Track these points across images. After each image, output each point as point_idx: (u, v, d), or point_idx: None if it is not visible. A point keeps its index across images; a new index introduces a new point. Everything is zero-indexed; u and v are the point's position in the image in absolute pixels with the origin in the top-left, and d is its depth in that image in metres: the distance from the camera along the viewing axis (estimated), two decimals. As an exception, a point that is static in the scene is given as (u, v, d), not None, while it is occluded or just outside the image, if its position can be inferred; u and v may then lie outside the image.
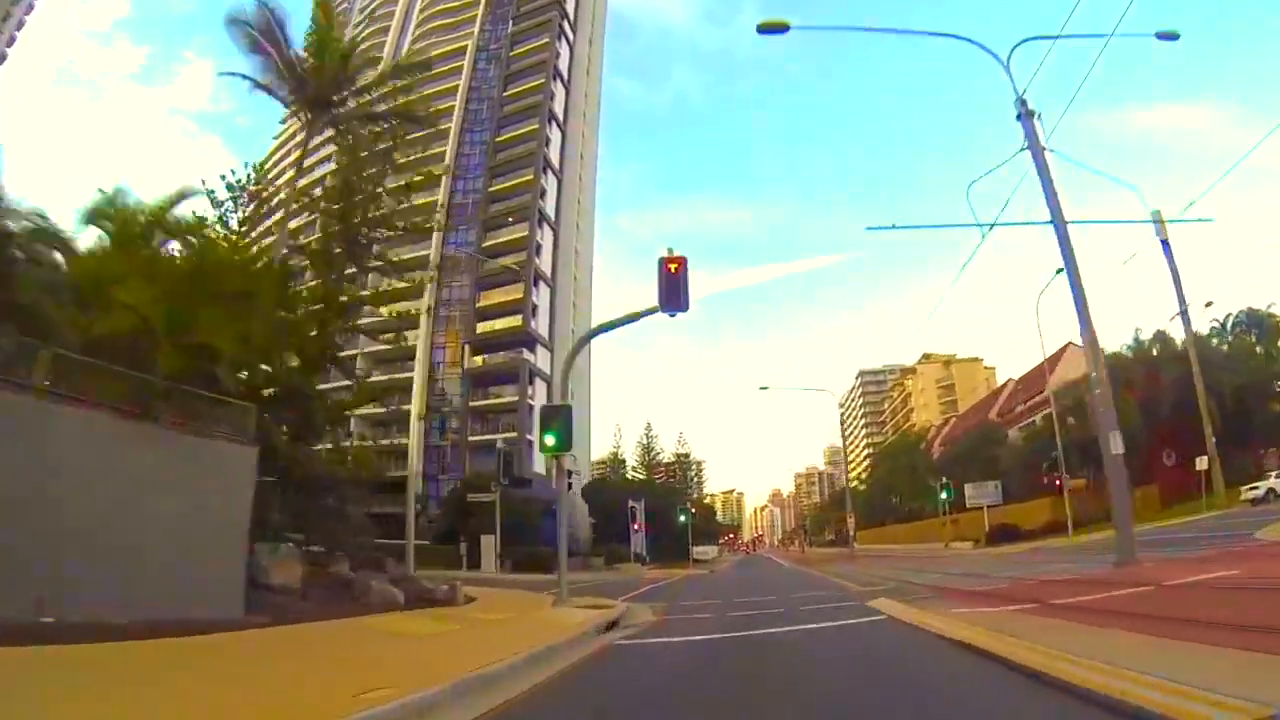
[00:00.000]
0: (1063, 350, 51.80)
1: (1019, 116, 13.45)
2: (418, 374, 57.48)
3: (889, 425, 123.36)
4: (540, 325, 56.54)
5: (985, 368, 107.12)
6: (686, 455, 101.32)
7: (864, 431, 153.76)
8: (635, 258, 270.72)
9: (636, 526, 42.51)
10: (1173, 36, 13.05)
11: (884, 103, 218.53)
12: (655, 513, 53.06)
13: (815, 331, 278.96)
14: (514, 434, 50.51)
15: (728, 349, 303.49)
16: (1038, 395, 50.71)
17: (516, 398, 51.15)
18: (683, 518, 40.45)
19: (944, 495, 39.06)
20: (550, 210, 61.80)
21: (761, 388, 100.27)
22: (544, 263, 58.92)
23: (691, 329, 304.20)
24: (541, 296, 57.63)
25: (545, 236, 60.22)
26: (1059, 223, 13.34)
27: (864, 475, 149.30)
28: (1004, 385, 60.08)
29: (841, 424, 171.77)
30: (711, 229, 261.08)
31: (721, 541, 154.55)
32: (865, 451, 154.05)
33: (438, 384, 56.37)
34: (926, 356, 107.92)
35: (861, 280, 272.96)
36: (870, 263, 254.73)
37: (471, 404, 53.34)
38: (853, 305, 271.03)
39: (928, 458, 56.29)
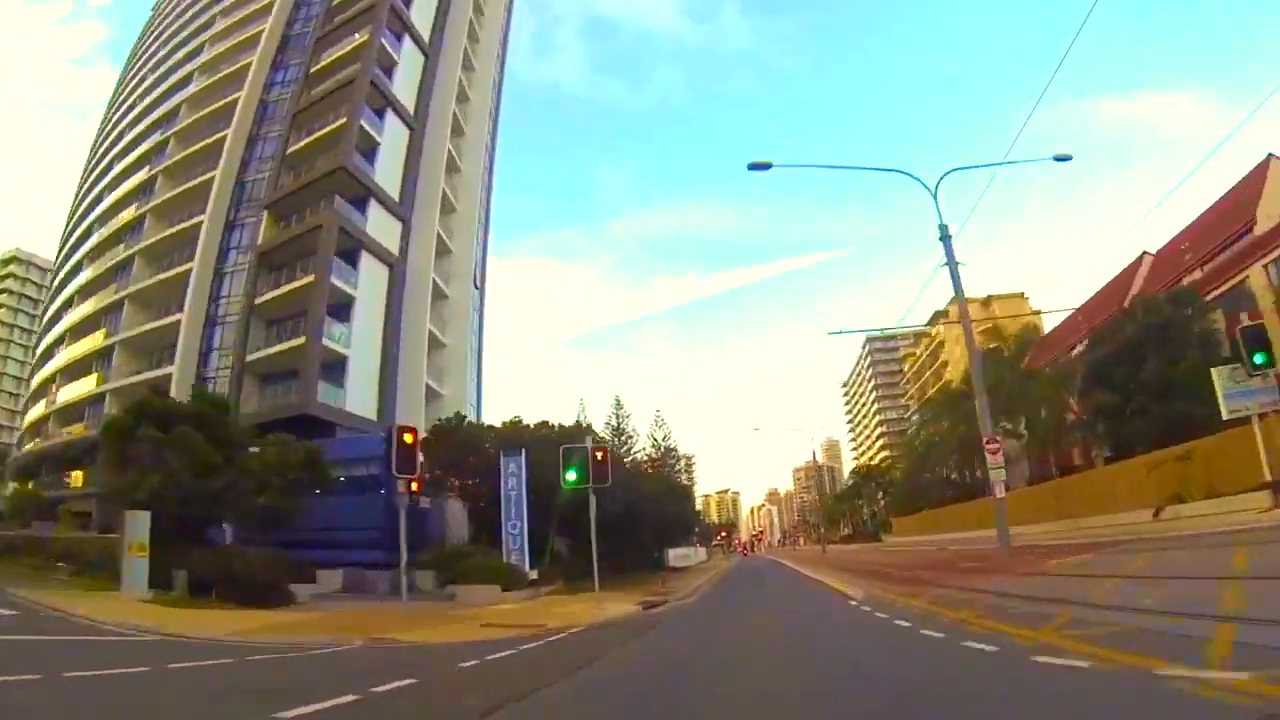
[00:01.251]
0: (1264, 167, 30.24)
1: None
2: (196, 266, 34.92)
3: (913, 389, 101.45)
4: (386, 177, 33.94)
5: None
6: (668, 443, 78.06)
7: (875, 406, 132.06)
8: (626, 258, 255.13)
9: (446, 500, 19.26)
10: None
11: (874, 95, 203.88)
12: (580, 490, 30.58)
13: (811, 325, 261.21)
14: (300, 340, 27.81)
15: (717, 351, 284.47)
16: (1236, 241, 28.95)
17: (315, 278, 28.26)
18: (572, 474, 17.53)
19: (1257, 361, 15.57)
20: (420, 22, 39.39)
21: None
22: (401, 89, 36.43)
23: (679, 334, 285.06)
24: (391, 136, 35.09)
25: (407, 54, 37.75)
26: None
27: (881, 454, 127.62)
28: (1136, 263, 38.40)
29: (847, 400, 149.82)
30: (697, 230, 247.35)
31: (716, 541, 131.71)
32: (878, 431, 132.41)
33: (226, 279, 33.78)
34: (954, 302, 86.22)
35: (853, 274, 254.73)
36: (860, 258, 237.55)
37: (258, 302, 30.57)
38: (845, 299, 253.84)
39: (1054, 376, 32.40)
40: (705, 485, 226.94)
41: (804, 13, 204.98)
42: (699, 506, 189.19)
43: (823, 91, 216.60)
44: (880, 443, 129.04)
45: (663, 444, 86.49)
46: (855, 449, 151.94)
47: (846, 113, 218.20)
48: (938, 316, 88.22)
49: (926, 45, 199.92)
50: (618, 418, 71.68)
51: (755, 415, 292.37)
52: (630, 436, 73.75)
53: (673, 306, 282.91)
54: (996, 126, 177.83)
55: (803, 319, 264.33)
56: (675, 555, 58.54)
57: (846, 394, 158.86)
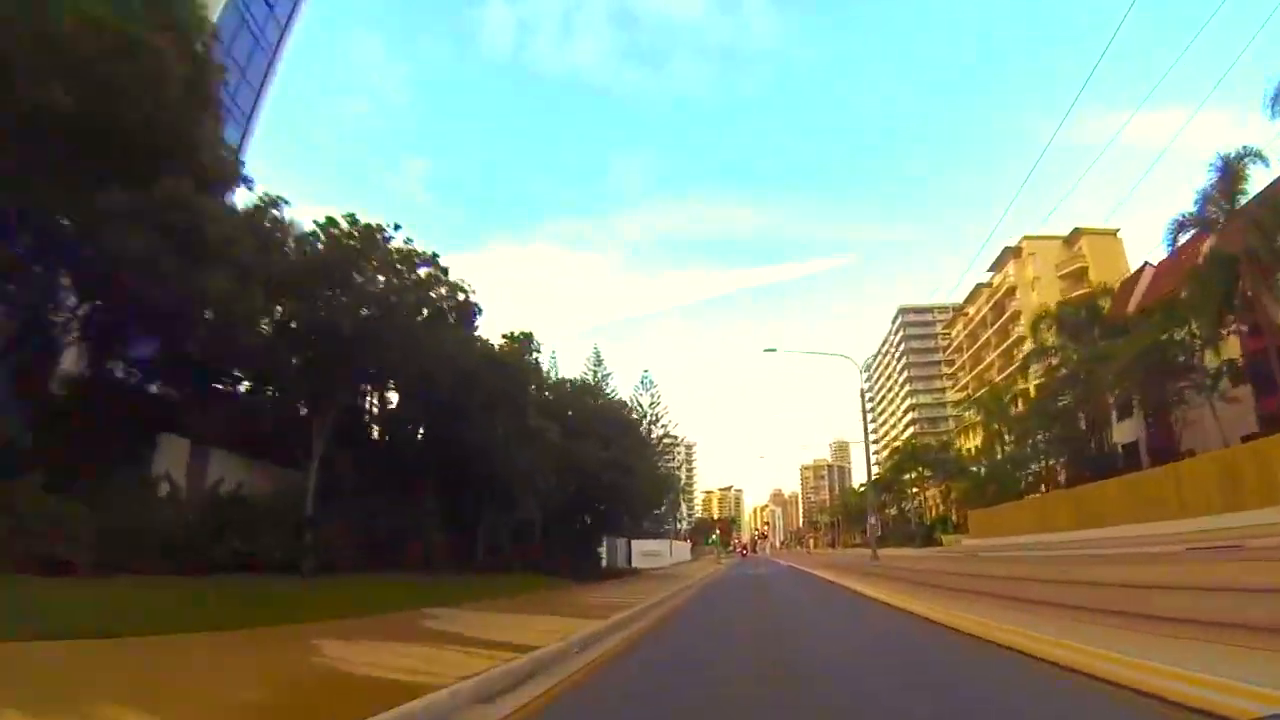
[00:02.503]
0: None
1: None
2: None
3: (964, 359, 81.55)
4: None
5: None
6: (657, 409, 59.90)
7: (904, 390, 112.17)
8: (638, 252, 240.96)
9: None
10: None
11: (894, 95, 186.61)
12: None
13: (824, 326, 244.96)
14: None
15: (727, 351, 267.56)
16: None
17: None
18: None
19: None
20: None
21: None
22: None
23: (688, 331, 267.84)
24: None
25: None
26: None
27: (912, 437, 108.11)
28: None
29: (870, 384, 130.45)
30: (712, 227, 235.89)
31: (712, 537, 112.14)
32: (907, 418, 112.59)
33: None
34: (1028, 239, 66.31)
35: (870, 279, 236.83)
36: (874, 263, 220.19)
37: None
38: (860, 303, 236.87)
39: None
40: (707, 481, 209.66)
41: (830, 10, 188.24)
42: (687, 489, 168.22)
43: (844, 91, 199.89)
44: (910, 430, 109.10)
45: (649, 410, 66.67)
46: (878, 438, 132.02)
47: (865, 112, 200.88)
48: (1008, 254, 68.22)
49: (950, 47, 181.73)
50: (595, 374, 51.75)
51: (763, 415, 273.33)
52: (602, 394, 54.29)
53: (683, 304, 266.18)
54: (1026, 134, 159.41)
55: (816, 322, 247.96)
56: (642, 552, 39.49)
57: (869, 378, 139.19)
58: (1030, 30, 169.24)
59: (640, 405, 66.87)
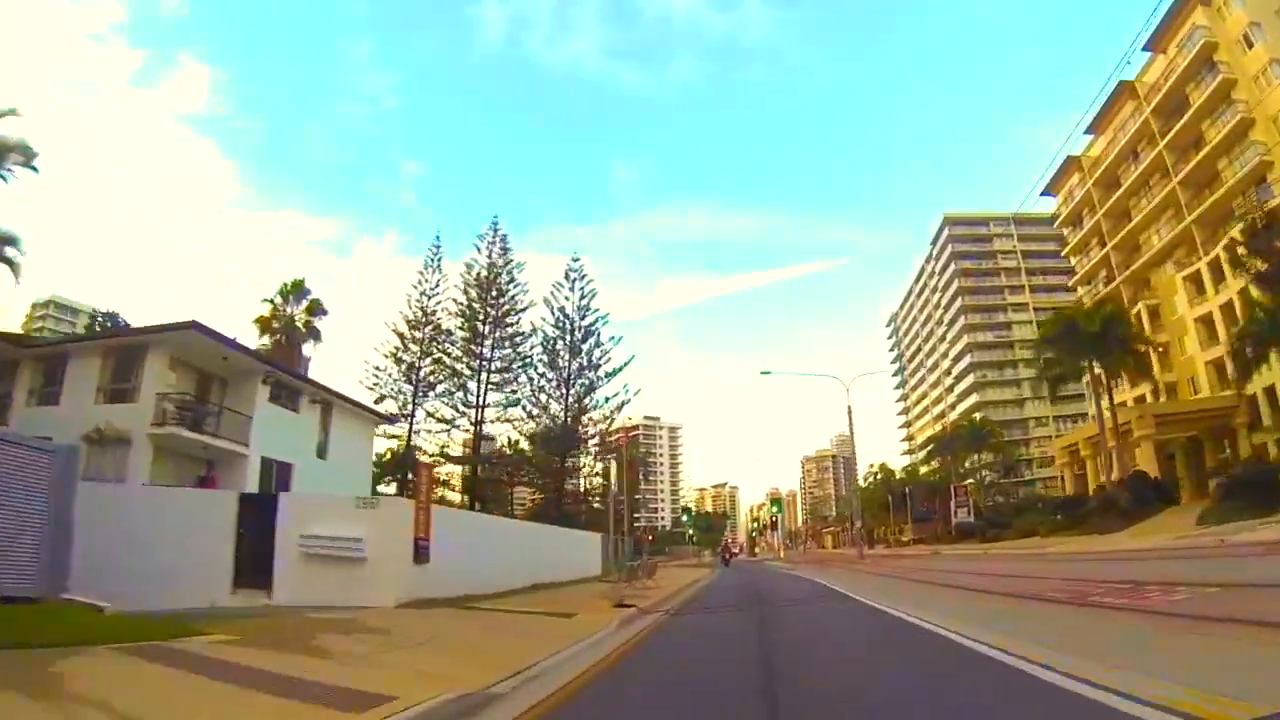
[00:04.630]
0: None
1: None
2: None
3: (1091, 221, 49.37)
4: None
5: None
6: (588, 317, 32.13)
7: (959, 324, 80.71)
8: (633, 255, 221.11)
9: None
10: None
11: (893, 101, 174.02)
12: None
13: (822, 331, 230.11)
14: None
15: (724, 353, 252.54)
16: None
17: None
18: None
19: None
20: None
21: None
22: None
23: (685, 335, 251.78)
24: None
25: None
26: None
27: (967, 401, 77.41)
28: None
29: (894, 341, 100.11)
30: (708, 232, 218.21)
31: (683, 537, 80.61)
32: (964, 362, 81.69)
33: None
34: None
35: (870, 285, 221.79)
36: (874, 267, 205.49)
37: None
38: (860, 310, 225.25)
39: None
40: (701, 480, 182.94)
41: (829, 8, 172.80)
42: (684, 493, 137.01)
43: (840, 89, 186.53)
44: (969, 381, 78.12)
45: (577, 321, 35.45)
46: (909, 405, 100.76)
47: (862, 111, 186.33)
48: (1190, 2, 36.30)
49: (950, 48, 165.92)
50: (490, 258, 36.40)
51: (761, 413, 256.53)
52: (505, 293, 36.45)
53: (677, 308, 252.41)
54: (1028, 135, 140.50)
55: (813, 324, 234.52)
56: (314, 540, 7.60)
57: (894, 333, 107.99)
58: (1032, 30, 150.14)
59: (563, 312, 36.99)
